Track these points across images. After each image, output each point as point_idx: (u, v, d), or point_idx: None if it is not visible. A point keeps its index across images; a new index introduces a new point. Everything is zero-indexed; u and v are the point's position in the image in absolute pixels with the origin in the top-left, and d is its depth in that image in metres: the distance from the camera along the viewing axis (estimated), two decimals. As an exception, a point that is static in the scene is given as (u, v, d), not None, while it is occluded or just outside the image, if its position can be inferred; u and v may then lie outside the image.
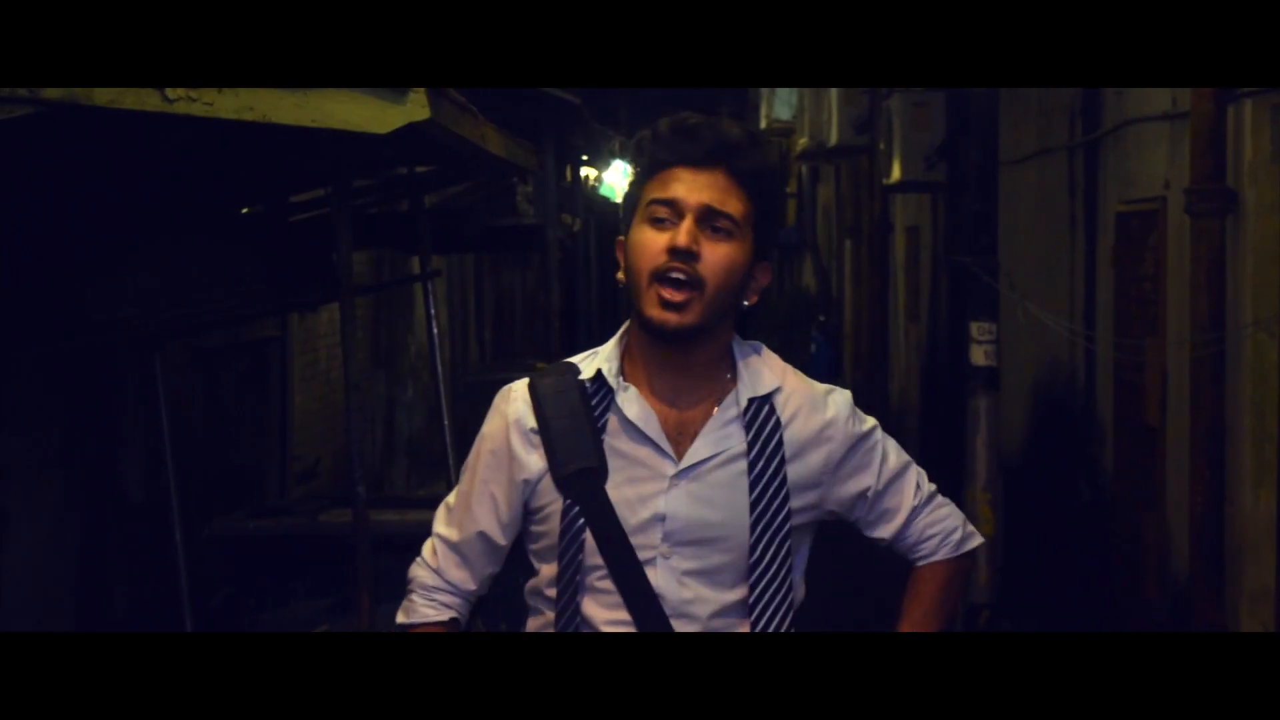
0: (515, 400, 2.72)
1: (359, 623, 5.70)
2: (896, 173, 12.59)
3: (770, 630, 2.66)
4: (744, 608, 2.66)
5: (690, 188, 2.60)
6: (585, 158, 18.26)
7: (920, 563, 2.87)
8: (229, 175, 6.37)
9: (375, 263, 12.09)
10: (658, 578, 2.62)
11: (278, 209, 7.85)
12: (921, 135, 12.30)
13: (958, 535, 2.86)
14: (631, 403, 2.66)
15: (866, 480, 2.78)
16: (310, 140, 4.58)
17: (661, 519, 2.62)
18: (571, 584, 2.63)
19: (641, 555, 2.62)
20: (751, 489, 2.65)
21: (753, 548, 2.65)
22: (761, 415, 2.68)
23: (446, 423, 7.38)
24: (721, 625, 2.65)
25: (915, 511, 2.83)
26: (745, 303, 2.70)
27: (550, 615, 2.68)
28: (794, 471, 2.69)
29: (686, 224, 2.59)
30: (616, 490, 2.62)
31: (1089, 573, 9.01)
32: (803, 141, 19.09)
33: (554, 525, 2.65)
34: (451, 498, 2.81)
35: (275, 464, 10.18)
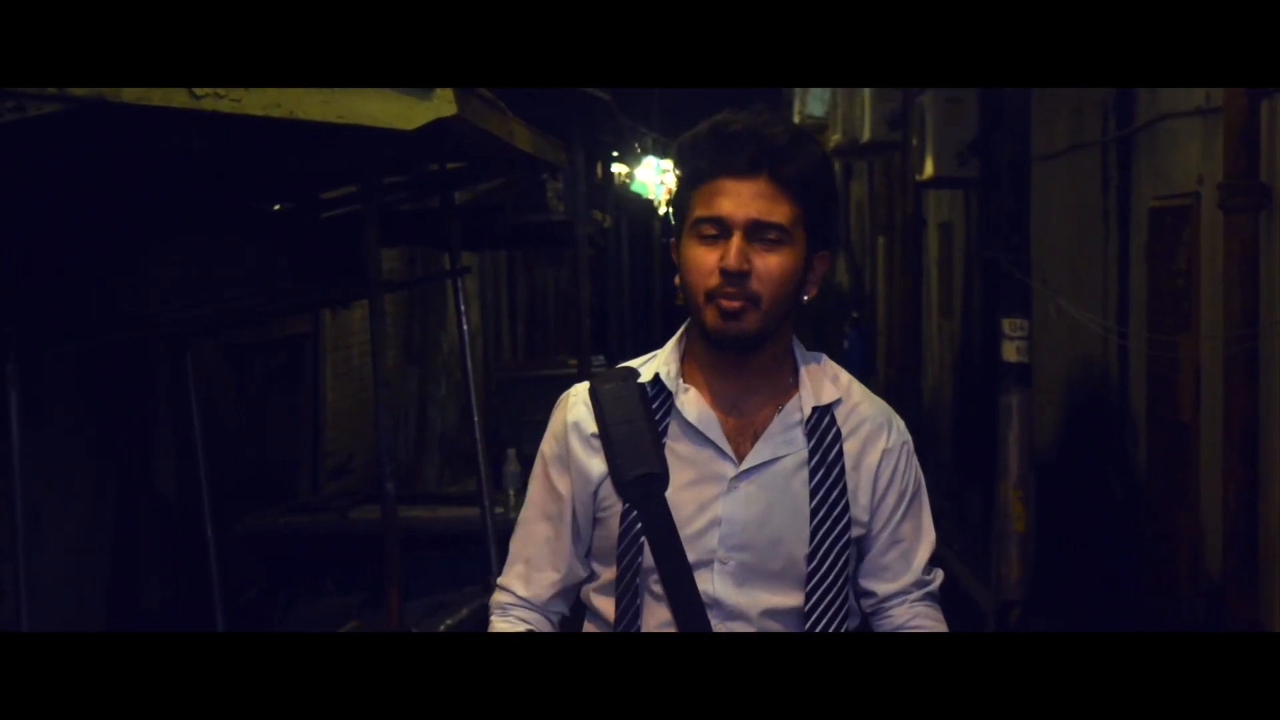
0: (575, 405, 2.71)
1: (388, 619, 5.71)
2: (929, 169, 12.55)
3: None
4: (800, 615, 2.64)
5: (736, 202, 2.57)
6: (616, 154, 18.25)
7: None
8: (259, 173, 6.38)
9: (408, 260, 12.11)
10: (714, 583, 2.60)
11: (308, 206, 7.87)
12: (954, 131, 12.27)
13: None
14: (691, 405, 2.64)
15: (892, 522, 2.72)
16: (338, 137, 4.59)
17: (719, 523, 2.61)
18: (631, 587, 2.62)
19: (699, 560, 2.60)
20: (813, 495, 2.63)
21: (811, 555, 2.63)
22: (824, 424, 2.66)
23: (477, 420, 7.38)
24: (779, 629, 2.63)
25: (920, 585, 2.75)
26: (805, 297, 2.68)
27: (608, 617, 2.67)
28: (851, 483, 2.67)
29: (736, 243, 2.56)
30: (676, 494, 2.60)
31: (1121, 570, 8.97)
32: (835, 138, 19.03)
33: (613, 529, 2.64)
34: (516, 534, 2.80)
35: (308, 460, 10.22)
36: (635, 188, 22.84)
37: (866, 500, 2.69)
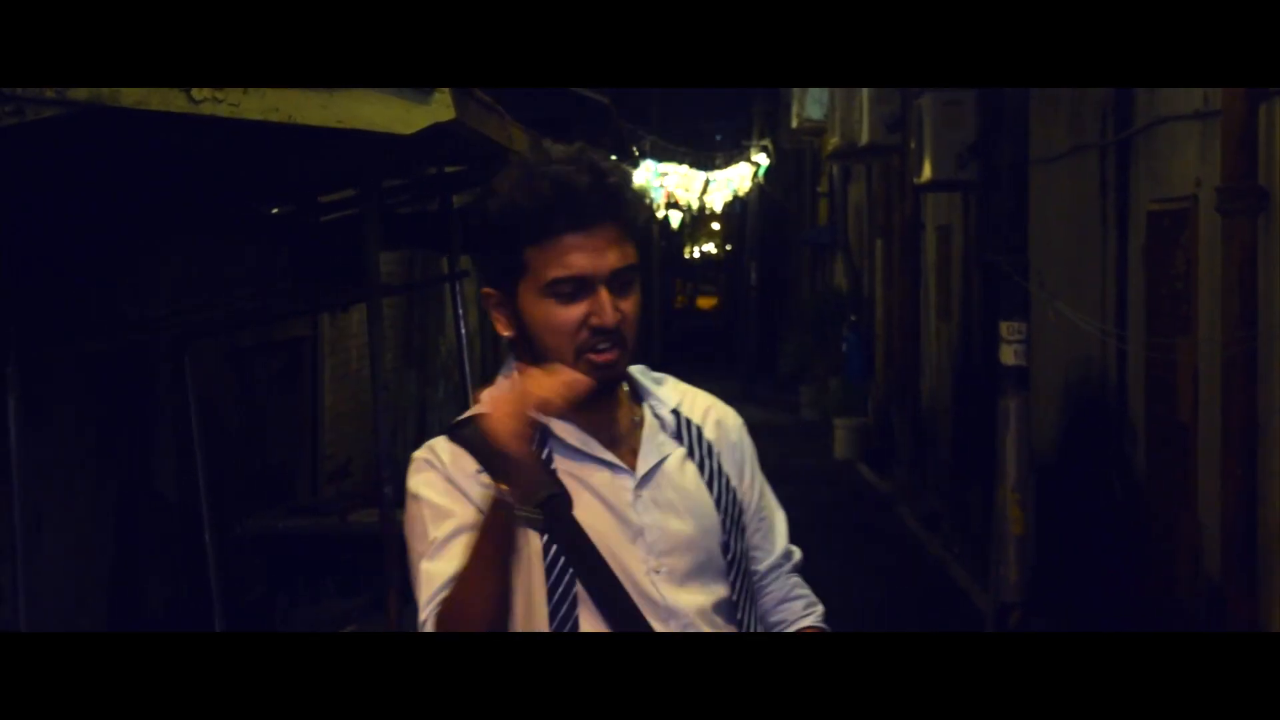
0: (442, 451, 2.59)
1: (387, 621, 5.71)
2: (928, 172, 12.54)
3: (751, 624, 2.67)
4: (730, 605, 2.64)
5: (591, 257, 2.51)
6: (614, 157, 18.24)
7: (787, 628, 2.77)
8: (258, 175, 6.39)
9: (406, 263, 12.12)
10: (652, 593, 2.56)
11: (307, 209, 7.87)
12: (953, 134, 12.26)
13: (821, 608, 2.81)
14: (569, 430, 2.59)
15: (755, 498, 2.76)
16: (337, 141, 4.60)
17: (641, 533, 2.57)
18: (570, 619, 2.53)
19: (631, 574, 2.55)
20: (709, 487, 2.66)
21: (725, 545, 2.65)
22: (681, 425, 2.69)
23: (476, 423, 7.36)
24: (723, 624, 2.62)
25: (788, 556, 2.80)
26: None
27: None
28: (725, 470, 2.70)
29: (604, 299, 2.51)
30: (584, 514, 2.54)
31: (1121, 572, 8.97)
32: (834, 141, 19.02)
33: (535, 566, 2.52)
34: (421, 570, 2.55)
35: (307, 463, 10.22)
36: (634, 190, 22.84)
37: (737, 484, 2.72)
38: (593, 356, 2.53)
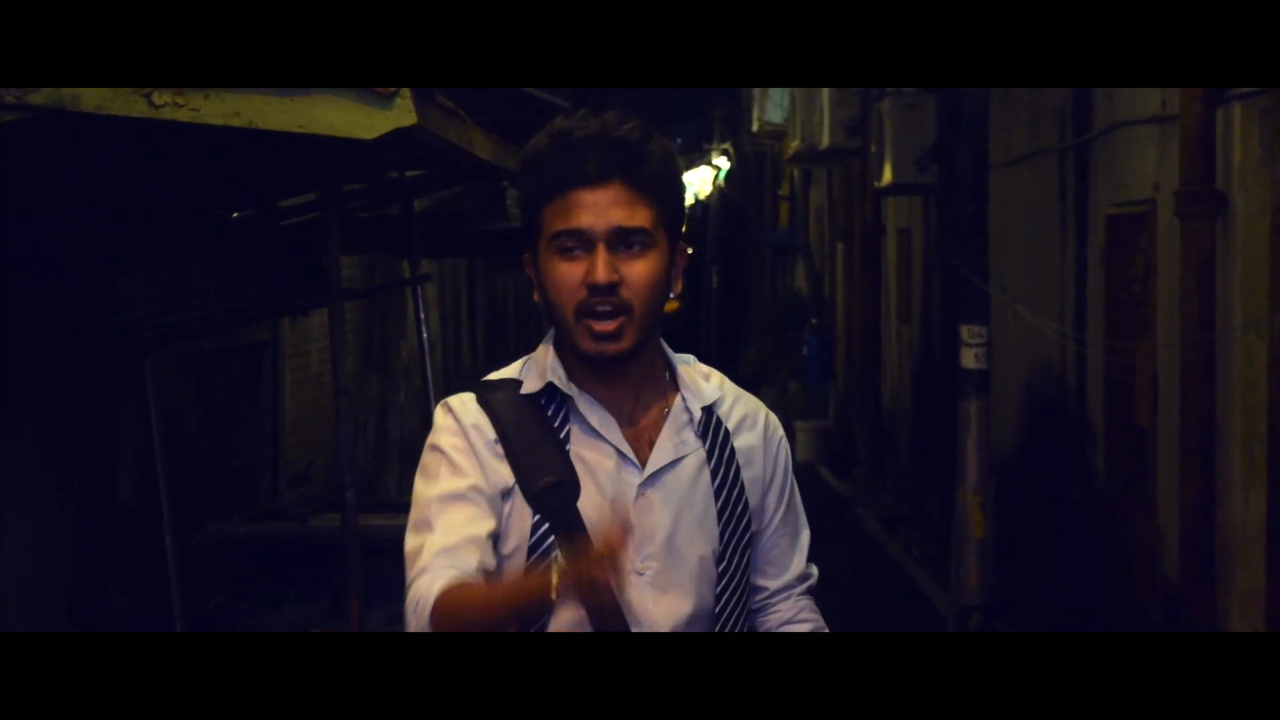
0: (468, 411, 2.56)
1: (349, 626, 5.70)
2: (888, 175, 12.59)
3: None
4: (711, 618, 2.60)
5: (594, 213, 2.47)
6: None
7: None
8: (219, 180, 6.37)
9: (367, 267, 12.09)
10: (631, 594, 2.52)
11: (268, 213, 7.85)
12: (913, 138, 12.31)
13: (826, 634, 2.77)
14: (593, 409, 2.56)
15: (778, 514, 2.71)
16: (298, 145, 4.58)
17: (630, 532, 2.49)
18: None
19: (617, 572, 2.48)
20: (716, 495, 2.60)
21: (720, 556, 2.60)
22: (712, 424, 2.63)
23: (438, 426, 7.34)
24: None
25: (805, 577, 2.76)
26: (671, 294, 2.60)
27: None
28: (746, 479, 2.64)
29: (601, 256, 2.47)
30: (584, 505, 2.50)
31: (1082, 574, 9.02)
32: (794, 144, 19.06)
33: (520, 543, 2.51)
34: (414, 539, 2.54)
35: (268, 468, 10.18)
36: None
37: (758, 496, 2.66)
38: (591, 322, 2.48)
